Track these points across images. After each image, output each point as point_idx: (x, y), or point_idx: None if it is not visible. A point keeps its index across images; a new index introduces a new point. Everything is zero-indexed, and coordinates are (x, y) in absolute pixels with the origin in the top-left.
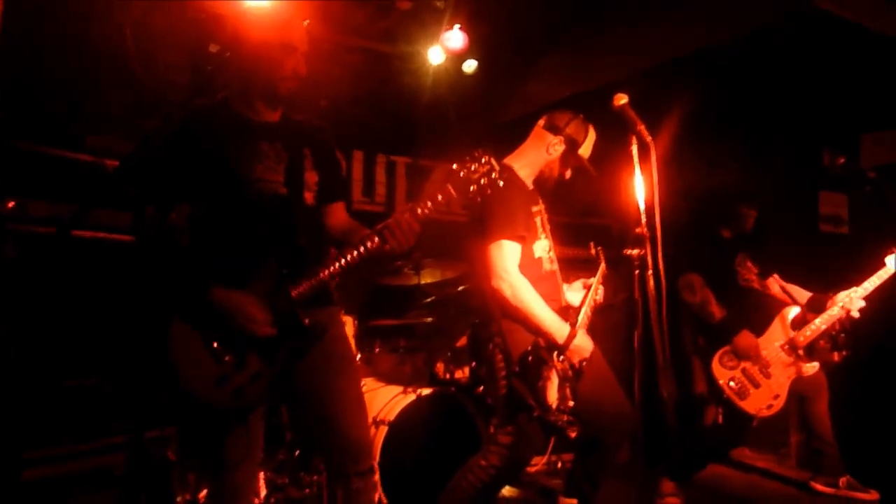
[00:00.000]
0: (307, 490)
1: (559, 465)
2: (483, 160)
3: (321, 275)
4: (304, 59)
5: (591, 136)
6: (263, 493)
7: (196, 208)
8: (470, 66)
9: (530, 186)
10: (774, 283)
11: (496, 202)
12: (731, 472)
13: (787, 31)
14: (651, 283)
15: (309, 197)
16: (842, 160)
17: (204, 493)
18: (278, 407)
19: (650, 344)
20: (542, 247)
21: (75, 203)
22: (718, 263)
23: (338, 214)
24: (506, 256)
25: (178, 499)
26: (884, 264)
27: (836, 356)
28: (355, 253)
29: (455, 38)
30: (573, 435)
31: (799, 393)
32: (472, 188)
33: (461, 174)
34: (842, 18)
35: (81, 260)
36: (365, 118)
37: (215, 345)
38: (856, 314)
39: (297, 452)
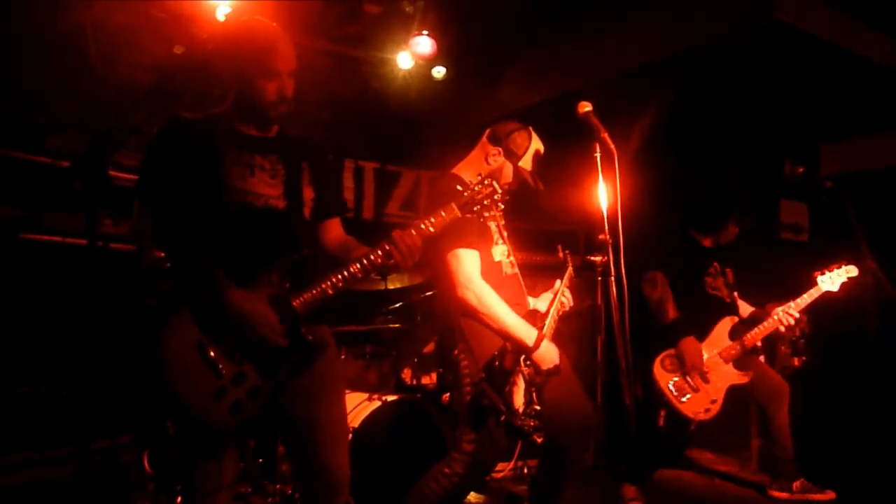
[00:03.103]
0: (270, 499)
1: (525, 470)
2: (486, 182)
3: (325, 288)
4: (291, 81)
5: (534, 148)
6: None
7: (191, 220)
8: (439, 72)
9: None
10: (743, 304)
11: None
12: (693, 475)
13: (748, 42)
14: (614, 289)
15: (306, 212)
16: (801, 170)
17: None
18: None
19: (613, 350)
20: (501, 251)
21: (29, 205)
22: (691, 268)
23: (333, 231)
24: (466, 265)
25: None
26: (815, 283)
27: (796, 361)
28: (359, 266)
29: (424, 43)
30: (539, 440)
31: (758, 401)
32: (475, 208)
33: (465, 194)
34: (801, 31)
35: (31, 263)
36: (333, 123)
37: (212, 354)
38: (782, 329)
39: (260, 461)
